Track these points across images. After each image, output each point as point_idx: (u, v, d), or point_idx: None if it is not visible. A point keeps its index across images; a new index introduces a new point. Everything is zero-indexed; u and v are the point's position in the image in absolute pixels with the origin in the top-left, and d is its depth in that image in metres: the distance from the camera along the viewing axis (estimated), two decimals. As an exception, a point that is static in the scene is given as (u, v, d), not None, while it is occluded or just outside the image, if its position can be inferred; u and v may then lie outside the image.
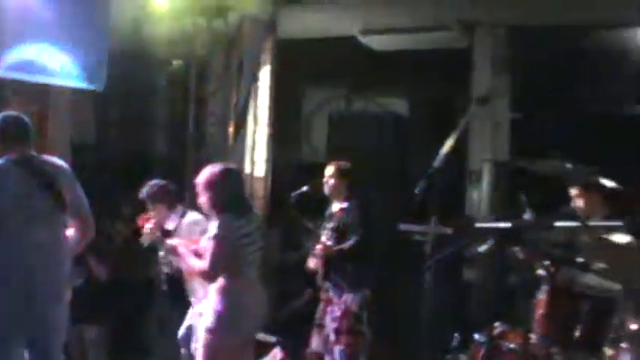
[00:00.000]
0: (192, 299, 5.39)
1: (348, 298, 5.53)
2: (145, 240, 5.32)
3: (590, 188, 4.22)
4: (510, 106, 7.91)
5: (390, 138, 7.43)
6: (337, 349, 5.49)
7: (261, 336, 6.69)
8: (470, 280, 5.16)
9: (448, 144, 3.10)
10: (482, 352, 3.42)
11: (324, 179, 5.75)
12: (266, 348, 6.68)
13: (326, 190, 5.76)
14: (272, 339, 6.75)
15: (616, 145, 7.06)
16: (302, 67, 8.03)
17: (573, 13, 7.16)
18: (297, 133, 8.88)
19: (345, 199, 5.70)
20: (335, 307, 5.55)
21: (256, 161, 7.98)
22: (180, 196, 5.96)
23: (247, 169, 7.89)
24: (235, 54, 7.88)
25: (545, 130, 8.18)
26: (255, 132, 7.99)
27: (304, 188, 5.85)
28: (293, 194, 5.84)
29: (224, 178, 4.34)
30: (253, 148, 7.99)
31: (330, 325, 5.56)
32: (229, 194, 4.32)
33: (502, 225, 2.69)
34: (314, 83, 8.48)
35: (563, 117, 8.22)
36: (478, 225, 2.68)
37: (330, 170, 5.73)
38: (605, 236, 3.48)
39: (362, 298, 5.53)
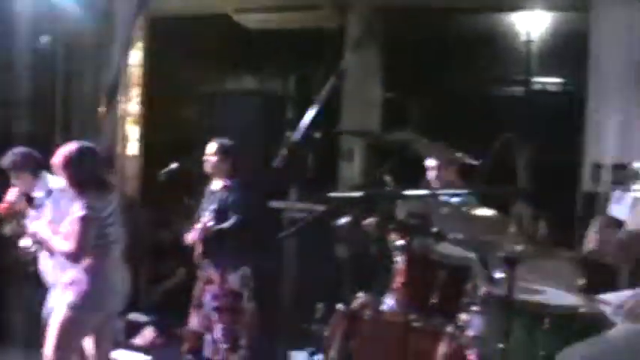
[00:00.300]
0: (53, 280, 5.25)
1: (228, 276, 5.55)
2: (7, 231, 5.16)
3: (447, 162, 4.45)
4: (382, 85, 8.10)
5: (263, 116, 7.44)
6: (218, 327, 5.50)
7: (133, 315, 6.65)
8: (337, 253, 5.28)
9: (307, 117, 3.13)
10: (343, 321, 3.51)
11: (206, 156, 5.69)
12: (138, 327, 6.64)
13: (207, 167, 5.68)
14: (144, 318, 6.70)
15: (488, 125, 7.32)
16: (175, 45, 7.93)
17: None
18: (170, 111, 8.77)
19: (227, 178, 5.67)
20: (215, 286, 5.55)
21: (128, 140, 7.86)
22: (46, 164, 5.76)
23: (119, 149, 7.75)
24: (107, 31, 7.70)
25: (416, 109, 8.45)
26: (126, 110, 7.85)
27: (173, 165, 5.80)
28: (162, 172, 5.78)
29: (80, 157, 4.26)
30: (125, 127, 7.85)
31: (210, 303, 5.55)
32: (86, 173, 4.25)
33: (353, 194, 2.76)
34: (187, 61, 8.39)
35: (434, 97, 8.50)
36: (332, 195, 2.72)
37: (212, 148, 5.67)
38: (465, 209, 3.67)
39: (242, 276, 5.55)
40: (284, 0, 7.57)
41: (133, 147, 7.86)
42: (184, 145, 7.78)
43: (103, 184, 4.37)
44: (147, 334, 6.59)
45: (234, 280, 5.53)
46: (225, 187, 5.63)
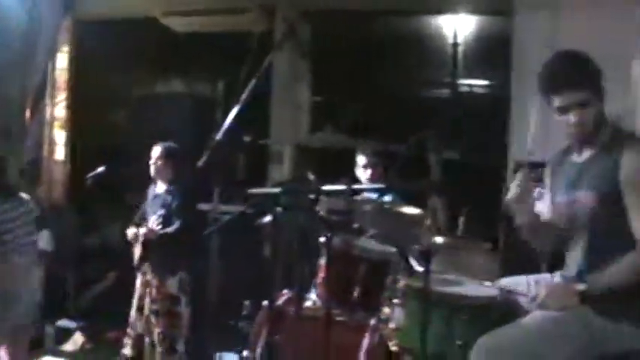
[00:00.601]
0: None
1: (166, 280, 5.55)
2: None
3: (374, 161, 4.56)
4: (311, 89, 8.18)
5: (193, 119, 7.43)
6: (156, 331, 5.52)
7: (63, 322, 6.59)
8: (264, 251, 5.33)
9: (230, 116, 3.17)
10: (268, 317, 3.55)
11: (151, 160, 5.71)
12: (68, 333, 6.56)
13: (152, 171, 5.72)
14: (73, 324, 6.62)
15: (415, 126, 7.44)
16: (102, 48, 7.85)
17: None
18: (97, 115, 8.68)
19: (170, 181, 5.69)
20: (154, 290, 5.56)
21: (55, 145, 7.75)
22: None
23: (45, 153, 7.64)
24: (32, 34, 7.58)
25: (345, 112, 8.54)
26: (53, 115, 7.73)
27: (100, 169, 5.77)
28: (89, 175, 5.75)
29: None
30: (52, 132, 7.74)
31: (149, 307, 5.56)
32: None
33: (272, 190, 2.81)
34: (115, 65, 8.32)
35: (363, 100, 8.60)
36: (251, 191, 2.77)
37: (156, 151, 5.70)
38: (388, 206, 3.77)
39: (180, 281, 5.57)
40: (212, 3, 7.57)
41: (59, 152, 7.75)
42: (112, 149, 7.73)
43: (5, 188, 4.29)
44: (77, 340, 6.51)
45: (172, 284, 5.55)
46: (168, 191, 5.66)
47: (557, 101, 2.96)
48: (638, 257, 2.84)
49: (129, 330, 5.69)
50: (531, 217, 3.22)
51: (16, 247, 4.21)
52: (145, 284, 5.64)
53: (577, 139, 3.06)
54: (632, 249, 2.86)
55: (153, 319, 5.55)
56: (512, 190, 3.16)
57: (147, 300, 5.59)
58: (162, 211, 5.57)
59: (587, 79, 2.92)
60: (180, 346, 5.55)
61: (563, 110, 2.96)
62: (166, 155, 5.68)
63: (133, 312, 5.70)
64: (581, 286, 2.91)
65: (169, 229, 5.52)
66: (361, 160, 4.83)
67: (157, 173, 5.71)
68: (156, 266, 5.59)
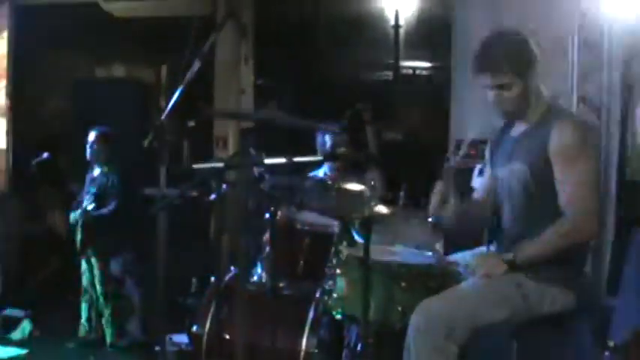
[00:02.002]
0: None
1: (109, 263, 5.61)
2: None
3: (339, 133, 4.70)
4: (254, 72, 8.19)
5: (134, 104, 7.41)
6: (106, 313, 5.55)
7: (9, 311, 6.54)
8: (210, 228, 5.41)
9: (174, 100, 3.21)
10: (216, 293, 3.61)
11: (88, 144, 5.78)
12: (15, 322, 6.51)
13: (88, 155, 5.80)
14: (20, 313, 6.57)
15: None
16: (42, 34, 7.76)
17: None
18: (38, 102, 8.58)
19: (106, 164, 5.77)
20: (99, 273, 5.60)
21: (-4, 133, 7.65)
22: None
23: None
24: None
25: (288, 95, 8.59)
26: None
27: (45, 155, 5.81)
28: (34, 161, 5.79)
29: None
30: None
31: (98, 289, 5.61)
32: None
33: (215, 164, 2.87)
34: (56, 51, 8.23)
35: (305, 83, 8.66)
36: (195, 166, 2.82)
37: (92, 136, 5.79)
38: (329, 181, 3.88)
39: (123, 262, 5.62)
40: (152, -13, 7.55)
41: (1, 140, 7.64)
42: (54, 136, 7.67)
43: None
44: (25, 328, 6.46)
45: (115, 266, 5.60)
46: (103, 173, 5.73)
47: (480, 81, 3.15)
48: (560, 226, 2.98)
49: (83, 317, 5.73)
50: (458, 212, 3.38)
51: None
52: (90, 268, 5.68)
53: (500, 115, 3.21)
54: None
55: (102, 302, 5.59)
56: (433, 200, 3.34)
57: (97, 283, 5.63)
58: (94, 190, 5.64)
59: (507, 63, 3.07)
60: (132, 327, 5.59)
61: (486, 89, 3.14)
62: (101, 139, 5.77)
63: (82, 297, 5.74)
64: (508, 255, 3.07)
65: (104, 210, 5.59)
66: (327, 138, 4.94)
67: (93, 157, 5.81)
68: (97, 249, 5.64)
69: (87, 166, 5.97)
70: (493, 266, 3.10)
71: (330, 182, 3.49)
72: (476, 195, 3.65)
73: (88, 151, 5.84)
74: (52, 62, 8.37)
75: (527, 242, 3.07)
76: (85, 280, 5.77)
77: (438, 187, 3.38)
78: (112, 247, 5.66)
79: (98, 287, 5.66)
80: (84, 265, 5.75)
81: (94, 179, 5.84)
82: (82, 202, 5.79)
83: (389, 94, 8.41)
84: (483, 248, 3.52)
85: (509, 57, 3.09)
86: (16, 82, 7.67)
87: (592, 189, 2.98)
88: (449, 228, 3.43)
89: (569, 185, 2.99)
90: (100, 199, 5.69)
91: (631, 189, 2.93)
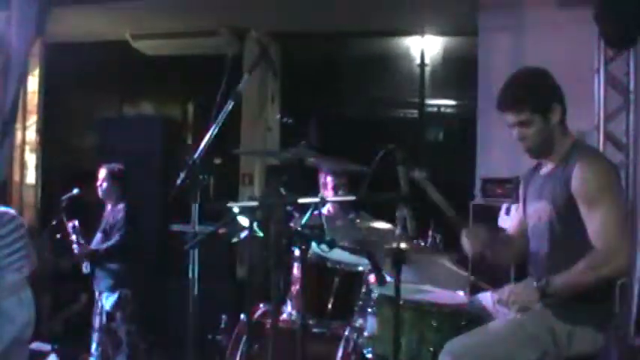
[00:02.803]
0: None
1: (103, 297, 5.65)
2: None
3: (339, 174, 4.74)
4: (280, 110, 8.29)
5: (162, 141, 7.48)
6: (94, 346, 5.75)
7: (36, 345, 6.56)
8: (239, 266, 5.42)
9: (207, 138, 3.26)
10: (245, 330, 3.62)
11: (98, 183, 5.80)
12: (41, 356, 6.53)
13: (99, 193, 5.81)
14: (46, 347, 6.60)
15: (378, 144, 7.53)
16: (73, 71, 7.90)
17: (337, 21, 7.60)
18: (68, 138, 8.71)
19: (118, 202, 5.78)
20: (98, 305, 5.72)
21: (26, 168, 7.74)
22: None
23: (16, 177, 7.63)
24: (2, 57, 7.59)
25: (314, 133, 8.64)
26: (23, 138, 7.74)
27: (74, 191, 5.85)
28: (63, 197, 5.83)
29: None
30: (22, 155, 7.73)
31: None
32: None
33: (249, 203, 2.90)
34: (86, 88, 8.37)
35: (331, 121, 8.71)
36: (229, 205, 2.86)
37: (102, 173, 5.79)
38: (358, 221, 3.91)
39: (118, 297, 5.62)
40: (182, 26, 7.66)
41: (30, 175, 7.74)
42: (83, 172, 7.74)
43: None
44: (51, 362, 6.50)
45: (109, 301, 5.61)
46: (113, 209, 5.75)
47: (505, 118, 3.21)
48: (591, 259, 2.97)
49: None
50: (493, 247, 3.39)
51: (8, 265, 4.20)
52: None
53: (525, 151, 3.26)
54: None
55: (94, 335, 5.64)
56: (466, 245, 3.37)
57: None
58: (101, 228, 5.70)
59: (529, 101, 3.14)
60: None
61: (510, 126, 3.21)
62: (111, 177, 5.78)
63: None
64: (541, 283, 3.04)
65: (102, 246, 5.62)
66: (329, 179, 4.97)
67: (103, 195, 5.82)
68: (97, 283, 5.69)
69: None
70: (525, 296, 3.08)
71: (359, 222, 3.50)
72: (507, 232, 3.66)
73: (99, 189, 5.87)
74: (82, 99, 8.51)
75: (556, 275, 3.05)
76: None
77: (465, 236, 3.39)
78: (110, 282, 5.68)
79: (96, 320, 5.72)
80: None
81: (105, 217, 5.91)
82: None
83: (414, 133, 8.44)
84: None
85: (530, 93, 3.16)
86: (47, 118, 7.79)
87: (618, 225, 2.97)
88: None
89: (594, 223, 2.99)
90: (105, 235, 5.73)
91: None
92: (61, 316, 7.21)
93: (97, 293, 5.80)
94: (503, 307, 3.14)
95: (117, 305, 5.61)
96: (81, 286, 7.25)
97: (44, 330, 6.91)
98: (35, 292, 6.83)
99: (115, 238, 5.62)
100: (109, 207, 5.88)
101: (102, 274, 5.69)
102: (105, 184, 5.81)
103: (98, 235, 5.76)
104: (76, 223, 5.78)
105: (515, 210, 3.66)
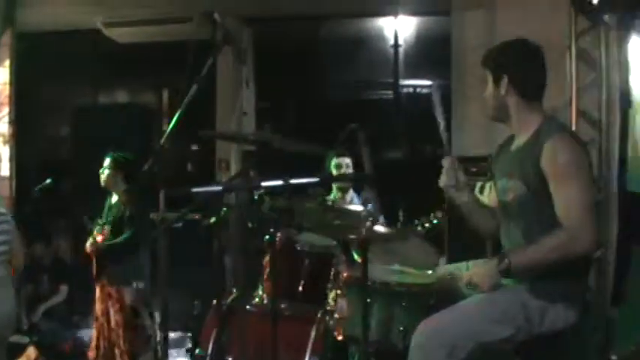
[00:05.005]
0: None
1: (122, 291, 5.56)
2: None
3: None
4: (256, 94, 8.26)
5: (138, 129, 7.43)
6: (119, 343, 5.53)
7: (15, 337, 6.53)
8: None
9: (172, 124, 3.24)
10: (218, 315, 3.62)
11: (101, 170, 5.72)
12: (20, 349, 6.51)
13: (102, 181, 5.72)
14: (25, 340, 6.58)
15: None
16: (45, 61, 7.83)
17: (309, 4, 7.56)
18: (41, 129, 8.64)
19: (124, 192, 5.69)
20: (114, 301, 5.56)
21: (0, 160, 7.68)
22: None
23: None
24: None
25: (289, 116, 8.64)
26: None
27: (47, 182, 5.79)
28: (37, 188, 5.78)
29: None
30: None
31: (113, 318, 5.57)
32: None
33: (214, 188, 2.89)
34: (58, 77, 8.29)
35: (306, 103, 8.70)
36: (195, 190, 2.84)
37: (106, 161, 5.71)
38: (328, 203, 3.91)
39: (136, 291, 5.56)
40: (154, 13, 7.59)
41: (4, 167, 7.67)
42: (57, 162, 7.71)
43: None
44: (30, 355, 6.46)
45: (127, 295, 5.55)
46: (121, 200, 5.67)
47: None
48: (555, 237, 2.96)
49: (92, 344, 5.70)
50: (469, 198, 3.39)
51: None
52: (104, 296, 5.64)
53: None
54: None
55: (116, 332, 5.55)
56: (443, 177, 3.35)
57: (111, 312, 5.59)
58: (110, 218, 5.62)
59: (486, 61, 3.24)
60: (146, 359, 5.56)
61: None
62: (114, 166, 5.70)
63: (94, 325, 5.72)
64: (503, 264, 3.01)
65: (117, 239, 5.54)
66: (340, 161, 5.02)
67: (107, 184, 5.72)
68: (111, 277, 5.60)
69: (90, 192, 5.89)
70: (488, 277, 3.07)
71: (329, 204, 3.49)
72: None
73: (101, 177, 5.73)
74: (55, 89, 8.43)
75: (522, 249, 3.06)
76: (97, 308, 5.72)
77: (445, 165, 3.40)
78: (125, 275, 5.61)
79: (113, 316, 5.59)
80: (98, 293, 5.70)
81: (111, 207, 5.78)
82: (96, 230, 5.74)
83: (389, 114, 8.43)
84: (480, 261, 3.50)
85: (491, 54, 3.25)
86: (19, 109, 7.71)
87: (586, 202, 2.96)
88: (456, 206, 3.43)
89: (562, 199, 2.98)
90: (116, 228, 5.62)
91: (631, 201, 2.93)
92: (39, 309, 7.18)
93: (103, 287, 5.68)
94: (465, 284, 3.14)
95: (136, 299, 5.54)
96: (59, 277, 7.25)
97: (22, 322, 6.89)
98: (15, 284, 6.82)
99: (130, 231, 5.53)
100: (113, 197, 5.79)
101: (115, 267, 5.61)
102: (107, 173, 5.71)
103: (106, 227, 5.66)
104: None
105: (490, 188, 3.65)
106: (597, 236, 2.97)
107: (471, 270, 3.17)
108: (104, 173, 5.70)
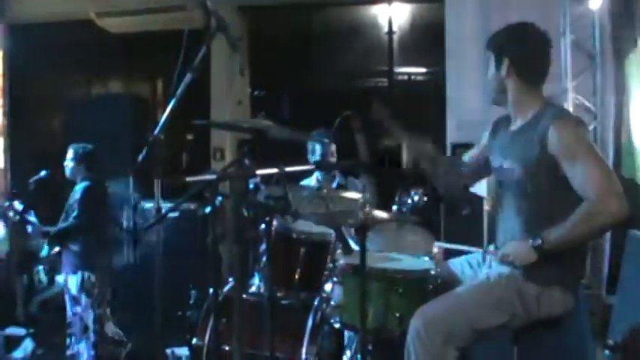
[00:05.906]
0: None
1: (67, 279, 5.61)
2: None
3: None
4: (250, 83, 8.25)
5: (132, 119, 7.41)
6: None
7: (11, 329, 6.54)
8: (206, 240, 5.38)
9: (166, 114, 3.21)
10: (214, 304, 3.60)
11: (65, 163, 5.74)
12: (17, 341, 6.51)
13: (67, 173, 5.74)
14: (22, 332, 6.58)
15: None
16: (38, 52, 7.80)
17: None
18: (35, 121, 8.61)
19: (81, 182, 5.71)
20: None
21: (-6, 152, 7.67)
22: None
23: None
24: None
25: (285, 104, 8.62)
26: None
27: (42, 173, 5.79)
28: (31, 180, 5.76)
29: None
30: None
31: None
32: None
33: (208, 176, 2.87)
34: (52, 68, 8.26)
35: (301, 91, 8.68)
36: (188, 179, 2.83)
37: (69, 153, 5.73)
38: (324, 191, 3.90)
39: (81, 279, 5.56)
40: (147, 3, 7.57)
41: (-1, 160, 7.67)
42: (52, 153, 7.66)
43: None
44: (27, 346, 6.47)
45: (72, 283, 5.57)
46: (76, 190, 5.69)
47: None
48: (585, 208, 2.90)
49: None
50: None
51: None
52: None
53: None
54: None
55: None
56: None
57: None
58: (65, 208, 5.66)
59: (490, 42, 3.26)
60: (78, 348, 5.57)
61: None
62: (77, 157, 5.72)
63: None
64: (537, 241, 2.98)
65: (54, 228, 5.58)
66: (317, 148, 5.02)
67: (71, 174, 5.75)
68: (62, 265, 5.66)
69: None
70: (524, 255, 3.02)
71: (325, 192, 3.48)
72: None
73: (66, 169, 5.78)
74: (48, 80, 8.40)
75: (554, 228, 2.97)
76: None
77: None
78: (71, 263, 5.62)
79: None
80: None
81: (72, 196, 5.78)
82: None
83: (384, 102, 8.41)
84: (477, 250, 3.50)
85: (495, 36, 3.26)
86: (13, 101, 7.69)
87: (604, 171, 2.93)
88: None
89: (581, 175, 2.93)
90: (66, 216, 5.67)
91: (625, 187, 2.92)
92: (36, 300, 7.17)
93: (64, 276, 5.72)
94: (504, 262, 3.12)
95: (81, 288, 5.55)
96: (56, 269, 7.23)
97: (20, 314, 6.89)
98: (11, 276, 6.82)
99: (69, 220, 5.56)
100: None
101: (65, 255, 5.64)
102: (71, 164, 5.74)
103: (63, 216, 5.71)
104: (16, 204, 5.67)
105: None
106: (624, 202, 2.88)
107: (507, 247, 3.13)
108: (67, 165, 5.73)
